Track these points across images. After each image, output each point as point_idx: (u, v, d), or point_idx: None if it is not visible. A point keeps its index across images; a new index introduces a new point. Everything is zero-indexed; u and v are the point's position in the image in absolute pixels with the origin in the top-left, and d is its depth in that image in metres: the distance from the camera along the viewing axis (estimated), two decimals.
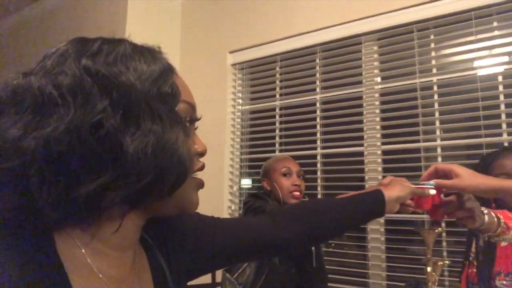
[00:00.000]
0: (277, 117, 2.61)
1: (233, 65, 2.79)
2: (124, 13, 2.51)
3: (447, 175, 0.99)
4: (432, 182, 0.98)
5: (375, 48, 2.29)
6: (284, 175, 1.77)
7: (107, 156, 0.44)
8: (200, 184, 0.59)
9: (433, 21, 2.08)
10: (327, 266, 1.95)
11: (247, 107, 2.77)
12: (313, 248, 1.66)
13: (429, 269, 1.04)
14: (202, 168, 0.60)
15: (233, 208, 2.63)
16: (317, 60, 2.48)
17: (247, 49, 2.72)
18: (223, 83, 2.75)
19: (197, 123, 0.61)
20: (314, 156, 2.40)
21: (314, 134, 2.44)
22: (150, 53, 0.52)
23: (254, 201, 1.69)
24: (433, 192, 0.97)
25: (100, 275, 0.49)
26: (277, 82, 2.64)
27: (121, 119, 0.44)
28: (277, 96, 2.63)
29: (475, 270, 1.40)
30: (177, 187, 0.51)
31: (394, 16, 2.17)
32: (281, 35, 2.55)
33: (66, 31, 2.91)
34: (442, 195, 1.01)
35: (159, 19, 2.81)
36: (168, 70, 0.52)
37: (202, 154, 0.59)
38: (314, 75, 2.50)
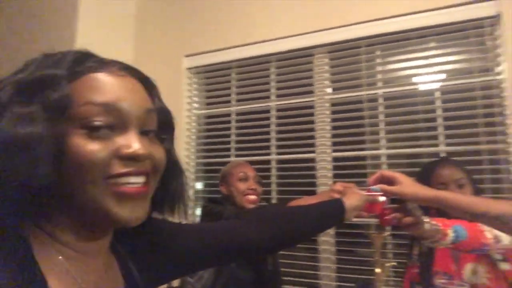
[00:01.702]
0: (232, 122, 2.65)
1: (189, 69, 2.79)
2: (75, 13, 2.42)
3: (390, 181, 1.09)
4: (377, 187, 1.09)
5: (326, 60, 2.41)
6: (241, 180, 1.82)
7: None
8: (122, 194, 0.51)
9: (380, 37, 2.24)
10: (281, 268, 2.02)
11: (202, 111, 2.78)
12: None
13: (378, 270, 1.14)
14: (129, 173, 0.52)
15: (189, 212, 2.62)
16: (272, 69, 2.56)
17: (203, 54, 2.73)
18: (178, 87, 2.74)
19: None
20: (268, 162, 2.48)
21: (268, 140, 2.51)
22: (53, 59, 0.54)
23: (212, 206, 1.72)
24: (383, 199, 1.07)
25: (75, 277, 0.51)
26: (233, 88, 2.68)
27: None
28: (233, 102, 2.68)
29: (417, 271, 1.54)
30: (68, 191, 0.50)
31: (344, 31, 2.30)
32: (238, 42, 2.60)
33: (13, 31, 2.73)
34: (383, 199, 1.12)
35: (112, 21, 2.73)
36: (60, 77, 0.52)
37: (130, 157, 0.52)
38: (269, 83, 2.57)
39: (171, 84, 2.74)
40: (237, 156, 2.57)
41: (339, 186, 1.14)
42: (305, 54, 2.46)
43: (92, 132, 0.50)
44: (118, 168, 0.51)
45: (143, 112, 0.55)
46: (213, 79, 2.76)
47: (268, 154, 2.50)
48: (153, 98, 0.60)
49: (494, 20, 1.99)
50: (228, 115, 2.68)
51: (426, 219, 1.16)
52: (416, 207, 1.13)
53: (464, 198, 1.03)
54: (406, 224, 1.12)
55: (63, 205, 0.52)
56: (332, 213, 0.99)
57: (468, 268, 1.41)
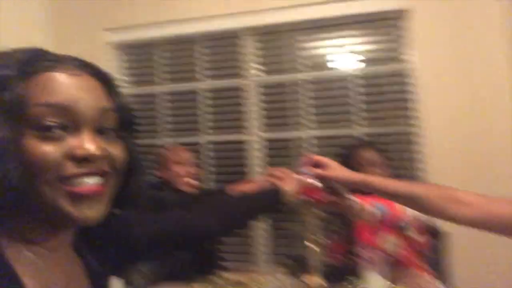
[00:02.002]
0: (158, 103, 2.56)
1: (109, 44, 2.60)
2: None
3: (322, 166, 1.17)
4: (310, 172, 1.16)
5: (255, 42, 2.43)
6: (179, 163, 1.80)
7: None
8: (76, 195, 0.51)
9: (302, 23, 2.32)
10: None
11: (126, 90, 2.63)
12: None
13: (312, 245, 1.23)
14: (83, 174, 0.52)
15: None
16: (199, 49, 2.51)
17: (126, 29, 2.56)
18: (98, 63, 2.54)
19: None
20: (198, 144, 2.46)
21: (198, 121, 2.48)
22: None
23: (153, 193, 1.67)
24: (315, 182, 1.15)
25: (46, 273, 0.53)
26: (158, 66, 2.58)
27: None
28: (158, 81, 2.57)
29: (342, 245, 1.68)
30: (22, 194, 0.50)
31: (269, 15, 2.34)
32: (163, 18, 2.49)
33: None
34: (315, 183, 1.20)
35: None
36: (8, 78, 0.51)
37: (82, 158, 0.52)
38: (195, 63, 2.51)
39: (88, 59, 2.53)
40: (165, 137, 2.50)
41: (276, 171, 1.20)
42: (233, 35, 2.45)
43: (45, 133, 0.50)
44: (72, 169, 0.51)
45: (98, 112, 0.54)
46: (137, 57, 2.62)
47: (197, 136, 2.47)
48: (112, 95, 0.59)
49: (404, 12, 2.18)
50: (152, 95, 2.57)
51: (351, 197, 1.27)
52: (343, 187, 1.23)
53: (386, 182, 1.14)
54: (336, 203, 1.22)
55: (26, 204, 0.52)
56: (273, 199, 1.09)
57: (385, 239, 1.59)
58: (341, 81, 2.29)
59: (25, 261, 0.52)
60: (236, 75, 2.45)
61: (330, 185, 1.21)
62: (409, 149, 2.16)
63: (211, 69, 2.50)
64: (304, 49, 2.38)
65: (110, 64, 2.59)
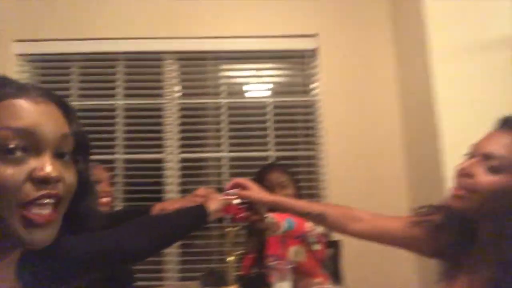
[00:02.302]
0: None
1: (20, 55, 2.48)
2: None
3: (243, 187, 1.34)
4: (232, 191, 1.32)
5: (176, 66, 2.55)
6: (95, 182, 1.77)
7: None
8: (32, 222, 0.53)
9: (225, 53, 2.53)
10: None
11: None
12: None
13: (231, 258, 1.37)
14: (43, 196, 0.54)
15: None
16: (119, 68, 2.54)
17: (39, 41, 2.48)
18: (7, 74, 2.40)
19: None
20: (113, 162, 2.45)
21: (114, 139, 2.48)
22: None
23: None
24: (237, 201, 1.31)
25: None
26: (73, 82, 2.53)
27: None
28: (73, 97, 2.52)
29: (253, 256, 1.84)
30: None
31: (194, 42, 2.50)
32: (82, 35, 2.48)
33: None
34: (237, 202, 1.36)
35: None
36: None
37: (43, 180, 0.53)
38: (115, 81, 2.54)
39: None
40: None
41: (201, 191, 1.32)
42: (155, 58, 2.54)
43: (7, 155, 0.51)
44: (31, 192, 0.53)
45: (58, 137, 0.58)
46: (51, 70, 2.54)
47: (112, 154, 2.46)
48: (70, 122, 0.63)
49: (314, 52, 2.50)
50: None
51: (267, 214, 1.44)
52: (261, 206, 1.41)
53: (296, 202, 1.34)
54: (254, 220, 1.38)
55: None
56: (198, 218, 1.17)
57: (292, 250, 1.79)
58: (254, 108, 2.51)
59: None
60: (156, 96, 2.52)
61: (250, 204, 1.37)
62: (313, 171, 2.45)
63: (131, 88, 2.54)
64: (223, 76, 2.57)
65: (20, 76, 2.47)
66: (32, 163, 0.53)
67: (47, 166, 0.54)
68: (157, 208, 1.32)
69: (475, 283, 0.85)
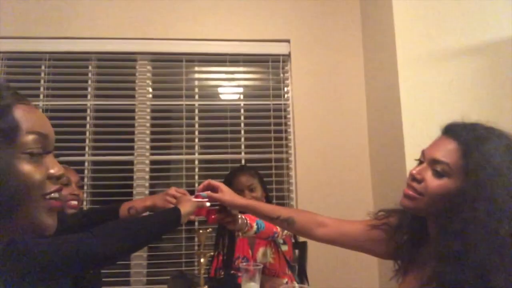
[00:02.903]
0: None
1: None
2: None
3: (215, 189, 1.36)
4: (204, 193, 1.33)
5: (149, 68, 2.54)
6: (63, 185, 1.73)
7: None
8: (55, 207, 0.63)
9: (198, 56, 2.54)
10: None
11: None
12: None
13: (202, 260, 1.38)
14: (58, 190, 0.64)
15: None
16: (91, 68, 2.51)
17: (6, 39, 2.42)
18: None
19: None
20: (81, 163, 2.41)
21: (84, 140, 2.44)
22: None
23: None
24: (208, 204, 1.32)
25: None
26: (42, 81, 2.48)
27: None
28: (41, 96, 2.47)
29: (221, 258, 1.86)
30: (14, 208, 0.58)
31: (167, 44, 2.50)
32: (53, 34, 2.43)
33: None
34: (209, 204, 1.38)
35: None
36: (4, 109, 0.59)
37: (57, 177, 0.64)
38: (86, 81, 2.51)
39: None
40: None
41: (173, 190, 1.32)
42: (128, 58, 2.52)
43: (32, 157, 0.59)
44: (50, 186, 0.62)
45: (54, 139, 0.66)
46: (18, 69, 2.48)
47: (83, 155, 2.43)
48: None
49: (286, 57, 2.56)
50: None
51: (239, 215, 1.47)
52: (232, 208, 1.43)
53: (266, 206, 1.35)
54: (226, 222, 1.41)
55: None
56: (170, 220, 1.17)
57: (260, 251, 1.82)
58: (227, 111, 2.53)
59: None
60: (128, 97, 2.51)
61: (222, 206, 1.39)
62: (283, 173, 2.49)
63: (102, 88, 2.51)
64: (196, 78, 2.58)
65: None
66: (47, 164, 0.63)
67: (57, 165, 0.65)
68: (125, 206, 1.31)
69: (423, 275, 0.91)
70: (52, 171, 0.63)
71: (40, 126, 0.62)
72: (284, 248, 1.87)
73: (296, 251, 2.09)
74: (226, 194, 1.33)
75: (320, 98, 2.50)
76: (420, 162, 0.97)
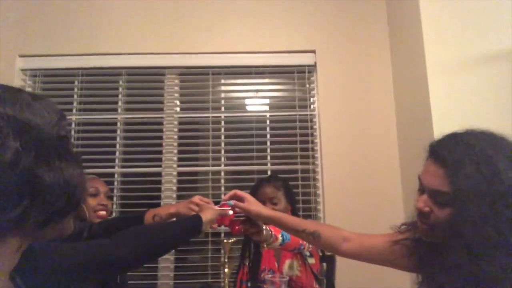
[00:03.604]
0: (72, 132, 2.54)
1: (24, 70, 2.55)
2: None
3: (241, 199, 1.35)
4: (231, 202, 1.33)
5: (177, 81, 2.59)
6: (92, 195, 1.79)
7: (26, 186, 0.53)
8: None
9: (225, 68, 2.57)
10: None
11: None
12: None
13: (226, 270, 1.37)
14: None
15: None
16: (121, 82, 2.59)
17: (42, 56, 2.55)
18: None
19: None
20: (112, 175, 2.47)
21: (114, 153, 2.51)
22: (45, 102, 0.61)
23: None
24: (231, 212, 1.32)
25: None
26: (76, 96, 2.58)
27: (34, 157, 0.53)
28: (74, 111, 2.57)
29: (247, 270, 1.84)
30: (72, 212, 0.61)
31: (195, 57, 2.55)
32: (85, 51, 2.54)
33: None
34: (232, 213, 1.36)
35: None
36: (62, 117, 0.62)
37: None
38: (117, 95, 2.59)
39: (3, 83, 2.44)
40: None
41: (197, 199, 1.33)
42: (157, 73, 2.59)
43: (79, 164, 0.61)
44: None
45: None
46: (53, 85, 2.60)
47: (113, 167, 2.49)
48: None
49: (312, 67, 2.55)
50: (69, 124, 2.54)
51: (264, 226, 1.45)
52: (257, 219, 1.41)
53: (292, 219, 1.33)
54: (251, 233, 1.39)
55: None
56: (191, 227, 1.17)
57: (286, 263, 1.79)
58: (253, 122, 2.54)
59: None
60: (156, 110, 2.56)
61: (247, 217, 1.38)
62: (310, 184, 2.45)
63: (132, 102, 2.59)
64: (223, 91, 2.61)
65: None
66: None
67: None
68: (150, 214, 1.33)
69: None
70: None
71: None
72: (311, 261, 1.83)
73: (324, 264, 2.04)
74: (252, 204, 1.32)
75: (347, 108, 2.46)
76: (421, 192, 0.94)
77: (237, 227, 1.36)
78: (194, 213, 1.27)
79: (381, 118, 2.44)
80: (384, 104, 2.45)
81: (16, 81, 2.50)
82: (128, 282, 2.06)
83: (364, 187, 2.35)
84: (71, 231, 0.67)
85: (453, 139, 0.89)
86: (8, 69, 2.50)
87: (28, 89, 2.54)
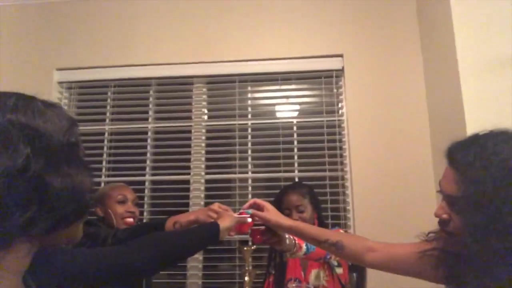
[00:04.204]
0: (105, 141, 2.62)
1: (60, 83, 2.67)
2: None
3: (260, 208, 1.33)
4: (250, 210, 1.31)
5: (204, 90, 2.63)
6: (119, 202, 1.82)
7: (35, 193, 0.54)
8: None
9: (251, 76, 2.58)
10: None
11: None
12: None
13: (246, 278, 1.35)
14: None
15: None
16: (151, 92, 2.65)
17: (78, 70, 2.66)
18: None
19: None
20: (142, 183, 2.52)
21: (144, 161, 2.57)
22: (57, 109, 0.62)
23: (86, 228, 1.68)
24: (250, 220, 1.30)
25: None
26: (108, 107, 2.67)
27: (44, 163, 0.54)
28: (107, 121, 2.66)
29: (272, 279, 1.80)
30: (81, 217, 0.62)
31: (222, 66, 2.56)
32: (117, 62, 2.63)
33: None
34: (250, 220, 1.34)
35: None
36: (73, 124, 0.63)
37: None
38: (147, 105, 2.65)
39: (41, 96, 2.57)
40: (109, 176, 2.54)
41: (216, 206, 1.33)
42: (185, 82, 2.63)
43: (87, 170, 0.63)
44: None
45: None
46: (87, 96, 2.70)
47: (143, 175, 2.54)
48: None
49: (339, 72, 2.50)
50: (102, 134, 2.64)
51: (287, 235, 1.42)
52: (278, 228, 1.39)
53: (313, 229, 1.29)
54: (272, 242, 1.37)
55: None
56: (208, 235, 1.17)
57: (313, 273, 1.74)
58: (280, 129, 2.51)
59: None
60: (184, 118, 2.60)
61: (267, 226, 1.36)
62: (339, 191, 2.39)
63: (161, 112, 2.64)
64: (250, 98, 2.61)
65: (61, 103, 2.65)
66: None
67: None
68: (171, 221, 1.34)
69: None
70: None
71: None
72: (339, 270, 1.77)
73: (354, 274, 1.97)
74: (272, 214, 1.30)
75: (376, 112, 2.39)
76: (441, 197, 0.89)
77: (258, 236, 1.35)
78: (212, 220, 1.27)
79: (413, 122, 2.34)
80: (416, 107, 2.36)
81: (54, 93, 2.63)
82: None
83: (396, 194, 2.26)
84: (80, 237, 0.68)
85: (469, 141, 0.84)
86: (47, 82, 2.63)
87: (64, 101, 2.67)
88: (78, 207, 0.60)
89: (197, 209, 2.42)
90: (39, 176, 0.54)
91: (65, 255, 0.83)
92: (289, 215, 1.80)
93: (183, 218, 1.34)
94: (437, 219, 0.91)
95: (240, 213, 1.33)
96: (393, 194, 2.26)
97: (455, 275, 0.91)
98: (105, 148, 2.61)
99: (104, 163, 2.58)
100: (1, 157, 0.52)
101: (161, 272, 2.38)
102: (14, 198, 0.52)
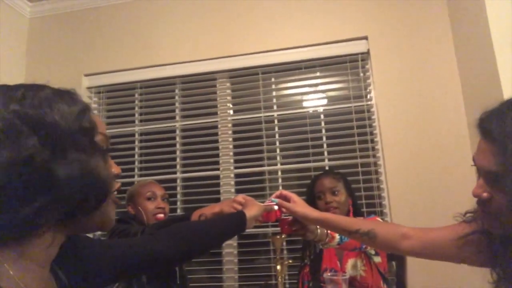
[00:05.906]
0: (136, 142, 2.67)
1: (89, 88, 2.74)
2: None
3: (288, 200, 1.30)
4: (275, 200, 1.29)
5: (228, 84, 2.61)
6: (149, 199, 1.86)
7: (41, 182, 0.53)
8: (117, 202, 0.69)
9: (274, 66, 2.54)
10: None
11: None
12: (176, 267, 1.80)
13: (278, 267, 1.33)
14: (119, 188, 0.71)
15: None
16: (176, 91, 2.67)
17: (104, 74, 2.72)
18: None
19: None
20: (174, 180, 2.55)
21: (174, 159, 2.60)
22: (68, 95, 0.62)
23: (118, 226, 1.72)
24: (276, 207, 1.28)
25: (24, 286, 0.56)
26: (136, 108, 2.72)
27: (50, 152, 0.54)
28: (136, 122, 2.70)
29: (308, 270, 1.77)
30: (100, 204, 0.61)
31: (244, 59, 2.54)
32: (141, 64, 2.66)
33: None
34: (277, 208, 1.32)
35: (2, 39, 2.56)
36: (86, 109, 0.62)
37: (118, 176, 0.70)
38: (174, 104, 2.67)
39: None
40: (142, 175, 2.59)
41: (240, 198, 1.32)
42: (208, 78, 2.63)
43: (104, 156, 0.63)
44: (115, 183, 0.69)
45: None
46: (116, 99, 2.76)
47: (174, 173, 2.57)
48: None
49: (365, 55, 2.41)
50: (132, 135, 2.69)
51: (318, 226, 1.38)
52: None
53: (342, 219, 1.24)
54: (301, 233, 1.34)
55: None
56: (235, 224, 1.16)
57: (349, 263, 1.69)
58: (308, 118, 2.46)
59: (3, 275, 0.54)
60: (210, 115, 2.61)
61: (295, 217, 1.33)
62: (372, 178, 2.31)
63: (187, 109, 2.66)
64: (275, 89, 2.57)
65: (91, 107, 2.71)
66: (110, 164, 0.68)
67: (116, 166, 0.72)
68: (196, 214, 1.34)
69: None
70: (115, 170, 0.69)
71: (104, 128, 0.69)
72: (377, 259, 1.71)
73: (394, 263, 1.90)
74: (298, 205, 1.27)
75: (407, 94, 2.29)
76: (478, 174, 0.81)
77: (286, 227, 1.33)
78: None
79: (446, 103, 2.23)
80: (449, 88, 2.24)
81: (84, 99, 2.63)
82: (190, 284, 2.11)
83: (432, 178, 2.16)
84: (113, 222, 0.69)
85: (503, 108, 0.76)
86: (76, 88, 2.67)
87: (94, 106, 2.74)
88: (94, 192, 0.59)
89: None
90: (45, 166, 0.53)
91: (93, 245, 0.83)
92: (323, 199, 1.77)
93: (208, 211, 1.34)
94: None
95: (267, 202, 1.31)
96: (429, 176, 2.17)
97: (500, 259, 0.84)
98: (136, 149, 2.66)
99: (136, 163, 2.63)
100: (6, 149, 0.51)
101: (198, 268, 2.41)
102: (20, 189, 0.52)
